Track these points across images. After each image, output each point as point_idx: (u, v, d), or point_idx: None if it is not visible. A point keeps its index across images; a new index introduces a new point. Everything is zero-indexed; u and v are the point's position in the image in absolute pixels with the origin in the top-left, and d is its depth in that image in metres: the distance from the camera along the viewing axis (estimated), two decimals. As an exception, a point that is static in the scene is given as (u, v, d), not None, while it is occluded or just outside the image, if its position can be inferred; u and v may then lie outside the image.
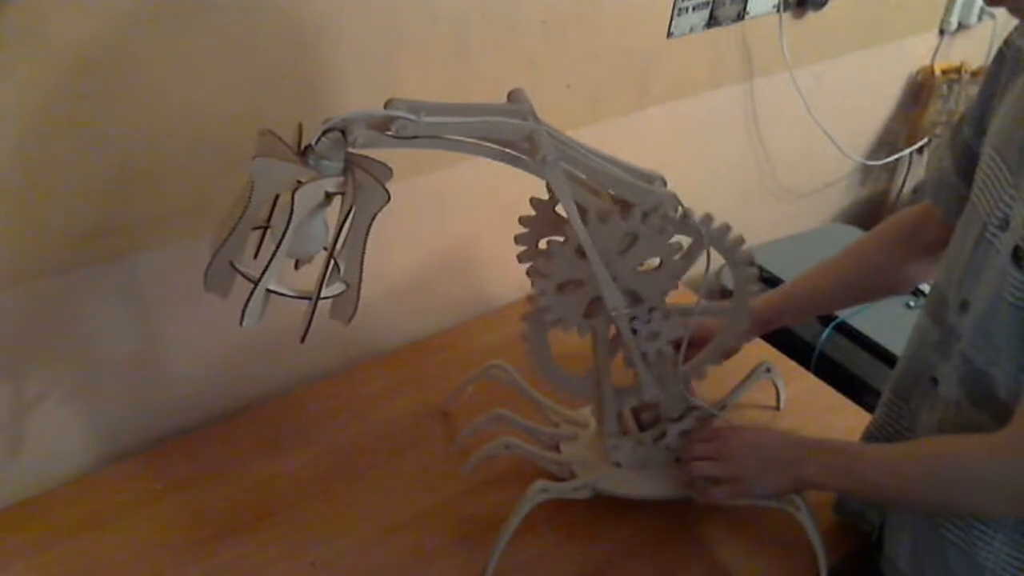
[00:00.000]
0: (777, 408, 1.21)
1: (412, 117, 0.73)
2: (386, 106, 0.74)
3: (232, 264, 0.79)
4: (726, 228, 0.91)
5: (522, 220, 0.94)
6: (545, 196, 0.92)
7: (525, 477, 0.98)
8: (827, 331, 1.49)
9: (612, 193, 0.86)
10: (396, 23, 1.05)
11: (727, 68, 1.47)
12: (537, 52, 1.19)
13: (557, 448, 1.05)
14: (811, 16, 1.51)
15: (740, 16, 1.41)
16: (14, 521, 0.99)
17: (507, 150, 0.79)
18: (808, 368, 1.34)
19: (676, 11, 1.32)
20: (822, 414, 1.22)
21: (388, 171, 0.77)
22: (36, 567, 0.95)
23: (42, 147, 0.88)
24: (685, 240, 0.89)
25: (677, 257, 0.89)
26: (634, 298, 0.90)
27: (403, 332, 1.31)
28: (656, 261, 0.89)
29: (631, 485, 1.01)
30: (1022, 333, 0.79)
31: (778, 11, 1.44)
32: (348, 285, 0.79)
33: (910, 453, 0.88)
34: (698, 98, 1.47)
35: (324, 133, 0.73)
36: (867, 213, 2.00)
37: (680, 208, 0.88)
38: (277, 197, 0.81)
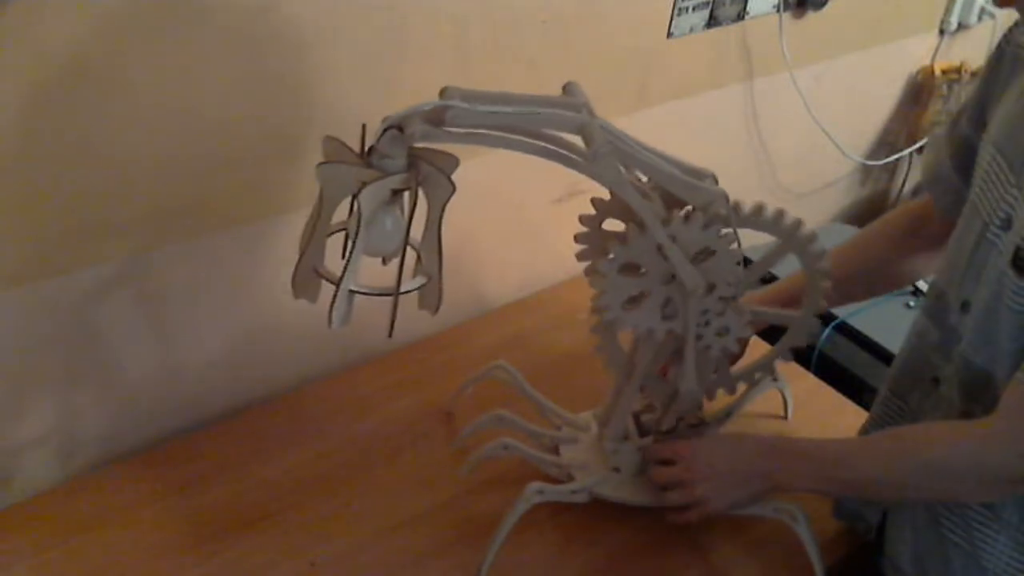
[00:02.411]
0: (784, 417, 1.20)
1: (466, 106, 0.73)
2: (440, 95, 0.75)
3: (315, 269, 0.81)
4: (799, 223, 0.90)
5: (578, 238, 0.94)
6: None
7: (526, 479, 0.98)
8: (827, 331, 1.49)
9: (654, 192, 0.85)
10: (396, 23, 1.05)
11: (727, 68, 1.47)
12: (537, 52, 1.19)
13: (557, 451, 1.05)
14: (811, 16, 1.51)
15: (740, 16, 1.41)
16: (14, 521, 0.99)
17: (557, 149, 0.78)
18: (808, 368, 1.34)
19: (676, 11, 1.32)
20: (822, 414, 1.22)
21: (455, 161, 0.77)
22: (36, 567, 0.95)
23: (38, 148, 0.88)
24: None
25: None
26: (707, 289, 0.89)
27: (403, 332, 1.31)
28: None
29: (629, 490, 1.01)
30: (1021, 337, 0.79)
31: (778, 11, 1.44)
32: (429, 276, 0.80)
33: (890, 447, 0.87)
34: (698, 98, 1.46)
35: (384, 132, 0.73)
36: (867, 213, 2.00)
37: (752, 205, 0.88)
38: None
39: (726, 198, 0.85)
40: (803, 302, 0.98)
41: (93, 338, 1.02)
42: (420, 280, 0.81)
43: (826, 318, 1.50)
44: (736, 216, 0.87)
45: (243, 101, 0.98)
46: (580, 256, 0.94)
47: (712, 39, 1.40)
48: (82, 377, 1.04)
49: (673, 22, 1.33)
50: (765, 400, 1.17)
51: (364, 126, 0.77)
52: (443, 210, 0.77)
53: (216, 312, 1.11)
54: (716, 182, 0.85)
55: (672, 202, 0.85)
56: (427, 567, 0.98)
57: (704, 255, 0.86)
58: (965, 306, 0.85)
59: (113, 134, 0.91)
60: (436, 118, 0.74)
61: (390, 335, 0.80)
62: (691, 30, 1.36)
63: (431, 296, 0.82)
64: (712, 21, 1.38)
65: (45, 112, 0.86)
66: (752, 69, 1.51)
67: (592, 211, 0.92)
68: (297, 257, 0.81)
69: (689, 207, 0.85)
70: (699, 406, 1.02)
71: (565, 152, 0.79)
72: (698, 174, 0.85)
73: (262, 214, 1.08)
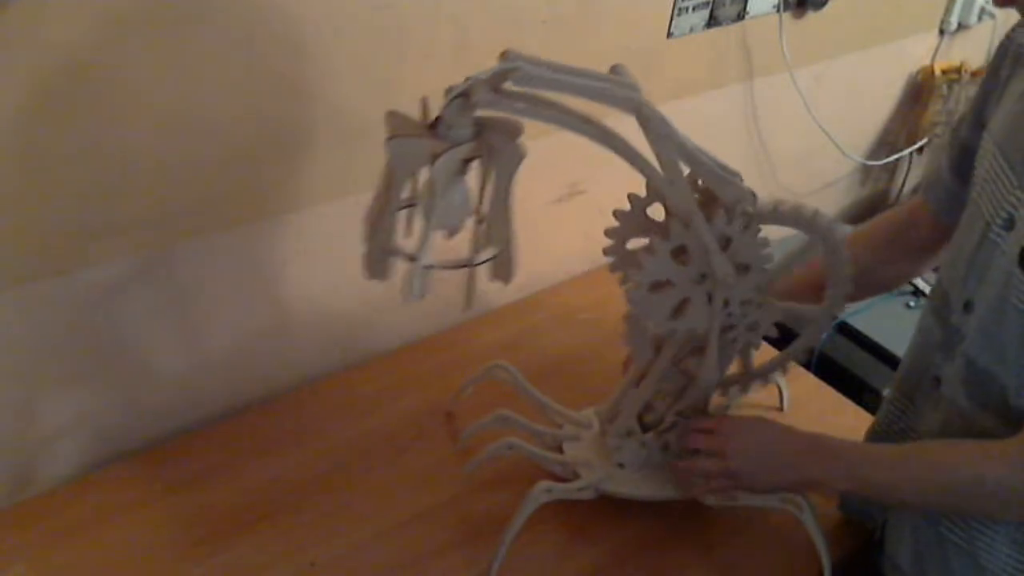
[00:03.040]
0: (780, 409, 1.21)
1: (531, 68, 0.73)
2: (501, 58, 0.74)
3: (387, 247, 0.80)
4: (822, 215, 0.91)
5: (608, 232, 0.94)
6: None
7: (526, 477, 0.98)
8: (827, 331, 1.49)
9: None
10: (396, 23, 1.05)
11: (727, 68, 1.47)
12: (537, 52, 1.18)
13: (560, 449, 1.05)
14: (811, 16, 1.51)
15: (740, 16, 1.41)
16: (14, 521, 0.99)
17: (610, 130, 0.78)
18: (808, 368, 1.34)
19: (676, 11, 1.32)
20: (822, 414, 1.22)
21: (519, 126, 0.76)
22: (36, 567, 0.95)
23: (40, 147, 0.88)
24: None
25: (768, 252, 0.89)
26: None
27: (403, 332, 1.31)
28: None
29: (634, 486, 1.01)
30: None
31: (778, 11, 1.44)
32: (501, 247, 0.80)
33: (920, 459, 0.86)
34: (698, 98, 1.46)
35: (451, 101, 0.73)
36: (867, 213, 1.99)
37: (773, 201, 0.89)
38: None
39: (753, 196, 0.86)
40: (825, 294, 0.98)
41: (92, 339, 1.02)
42: (493, 250, 0.80)
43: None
44: (762, 213, 0.88)
45: (243, 101, 0.98)
46: (608, 250, 0.94)
47: (712, 39, 1.40)
48: (82, 377, 1.04)
49: (673, 22, 1.33)
50: (760, 391, 1.17)
51: (425, 98, 0.77)
52: (512, 179, 0.76)
53: (216, 312, 1.11)
54: (742, 181, 0.86)
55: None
56: (427, 567, 0.98)
57: (730, 245, 0.87)
58: (968, 306, 0.85)
59: (114, 133, 0.91)
60: (498, 83, 0.73)
61: (467, 307, 0.80)
62: (691, 30, 1.36)
63: (504, 266, 0.81)
64: (712, 21, 1.38)
65: (45, 112, 0.86)
66: (752, 69, 1.51)
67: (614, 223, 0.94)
68: (365, 240, 0.80)
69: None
70: (707, 400, 1.02)
71: (617, 135, 0.78)
72: (729, 171, 0.85)
73: (263, 214, 1.08)
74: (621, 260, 0.94)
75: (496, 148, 0.75)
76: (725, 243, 0.86)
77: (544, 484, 0.96)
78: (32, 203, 0.90)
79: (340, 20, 1.01)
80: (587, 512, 1.01)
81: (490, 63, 0.76)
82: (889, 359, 1.45)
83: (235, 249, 1.08)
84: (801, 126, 1.60)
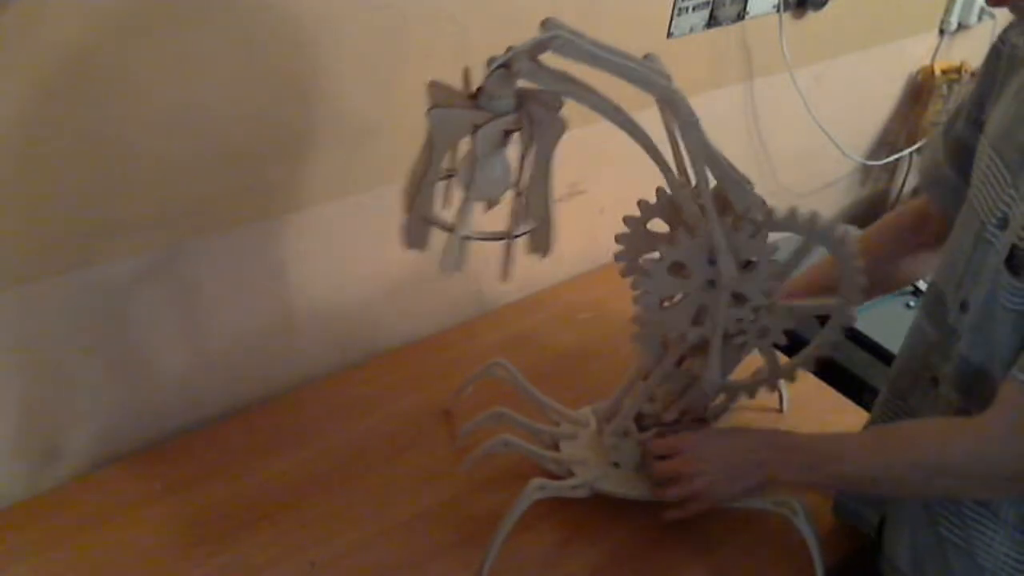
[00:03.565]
0: (780, 410, 1.21)
1: (571, 37, 0.73)
2: (542, 26, 0.74)
3: (426, 217, 0.79)
4: (835, 225, 0.91)
5: (619, 237, 0.94)
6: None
7: (525, 477, 0.98)
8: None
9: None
10: (396, 23, 1.05)
11: (727, 68, 1.47)
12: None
13: (556, 447, 1.05)
14: (811, 16, 1.51)
15: (740, 16, 1.41)
16: (14, 521, 0.99)
17: (631, 119, 0.78)
18: (808, 368, 1.34)
19: (676, 11, 1.32)
20: (822, 414, 1.22)
21: (560, 99, 0.76)
22: (36, 567, 0.95)
23: (41, 147, 0.88)
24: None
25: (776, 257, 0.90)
26: (738, 300, 0.91)
27: (403, 332, 1.31)
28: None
29: (629, 485, 1.01)
30: (1017, 335, 0.79)
31: (778, 11, 1.44)
32: (539, 219, 0.80)
33: (887, 438, 0.87)
34: (698, 98, 1.44)
35: (493, 71, 0.72)
36: (867, 213, 2.00)
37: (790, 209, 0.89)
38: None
39: (763, 204, 0.87)
40: (838, 300, 0.98)
41: (93, 338, 1.02)
42: (531, 223, 0.80)
43: (825, 318, 1.50)
44: (771, 220, 0.88)
45: (243, 101, 0.99)
46: (619, 256, 0.95)
47: (712, 39, 1.40)
48: (82, 378, 1.04)
49: (673, 22, 1.33)
50: (760, 394, 1.17)
51: (467, 69, 0.76)
52: (553, 151, 0.76)
53: (216, 312, 1.12)
54: (753, 187, 0.87)
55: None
56: (427, 567, 0.98)
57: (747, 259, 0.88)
58: (963, 306, 0.85)
59: (114, 133, 0.91)
60: (539, 53, 0.73)
61: (504, 279, 0.80)
62: (691, 30, 1.36)
63: (541, 239, 0.81)
64: (712, 21, 1.38)
65: (46, 111, 0.86)
66: (752, 69, 1.51)
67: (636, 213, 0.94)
68: (405, 209, 0.79)
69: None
70: (707, 402, 1.02)
71: (642, 129, 0.78)
72: (741, 176, 0.86)
73: (262, 214, 1.08)
74: (631, 266, 0.95)
75: (538, 119, 0.75)
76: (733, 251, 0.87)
77: (537, 481, 0.96)
78: (33, 203, 0.90)
79: (340, 20, 1.01)
80: (583, 512, 1.01)
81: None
82: (889, 359, 1.43)
83: (235, 249, 1.08)
84: (801, 126, 1.60)
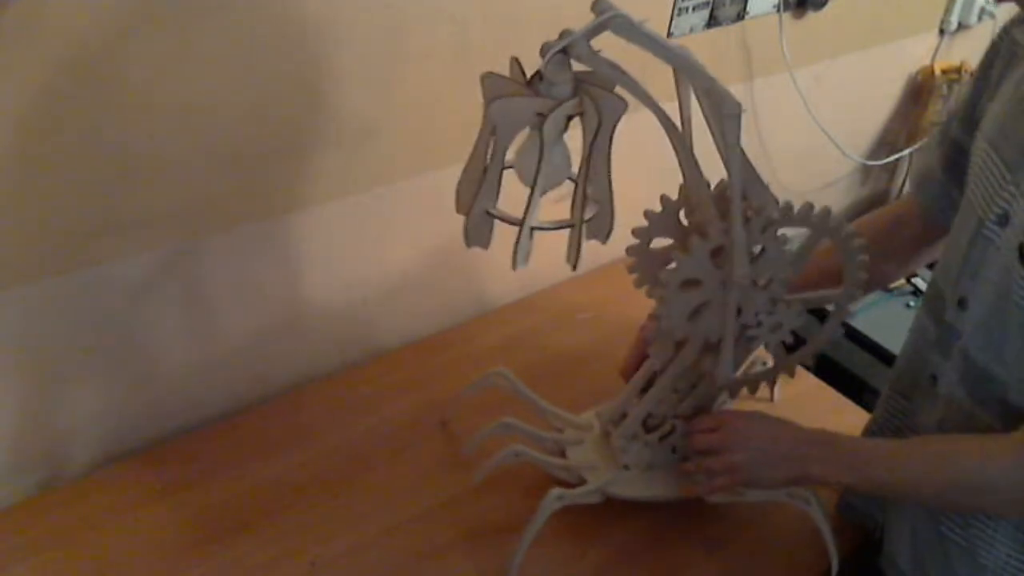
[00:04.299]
0: (771, 400, 1.21)
1: (628, 17, 0.72)
2: (593, 8, 0.73)
3: (488, 211, 0.78)
4: (842, 220, 0.92)
5: (635, 232, 0.93)
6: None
7: (525, 477, 0.98)
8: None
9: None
10: (397, 23, 1.05)
11: (727, 68, 1.47)
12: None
13: (563, 454, 1.05)
14: (811, 16, 1.51)
15: (740, 16, 1.41)
16: (14, 521, 0.99)
17: (663, 111, 0.79)
18: (808, 368, 1.34)
19: (676, 11, 1.32)
20: (822, 414, 1.21)
21: (612, 80, 0.75)
22: (36, 567, 0.95)
23: (41, 147, 0.88)
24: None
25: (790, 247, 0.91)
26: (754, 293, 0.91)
27: (403, 332, 1.31)
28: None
29: (641, 487, 1.01)
30: None
31: (778, 11, 1.44)
32: (600, 203, 0.79)
33: (921, 454, 0.86)
34: (698, 98, 1.46)
35: (551, 57, 0.71)
36: (867, 213, 1.99)
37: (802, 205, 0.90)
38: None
39: (777, 203, 0.87)
40: (842, 293, 0.98)
41: (93, 338, 1.02)
42: (593, 208, 0.79)
43: (825, 318, 1.50)
44: (788, 216, 0.89)
45: (243, 101, 0.98)
46: (632, 268, 0.95)
47: (712, 39, 1.40)
48: (82, 378, 1.04)
49: (673, 22, 1.33)
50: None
51: (516, 59, 0.75)
52: (613, 132, 0.75)
53: (216, 312, 1.12)
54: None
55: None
56: (427, 567, 0.98)
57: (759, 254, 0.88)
58: (962, 303, 0.85)
59: (114, 133, 0.91)
60: (594, 36, 0.72)
61: (574, 267, 0.80)
62: (691, 30, 1.36)
63: (602, 224, 0.80)
64: (712, 21, 1.38)
65: (46, 111, 0.86)
66: (752, 69, 1.51)
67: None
68: (462, 208, 0.78)
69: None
70: (714, 399, 1.02)
71: (671, 122, 0.78)
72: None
73: (263, 214, 1.08)
74: (641, 262, 0.94)
75: (598, 101, 0.73)
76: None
77: (556, 492, 0.96)
78: (34, 203, 0.90)
79: (341, 20, 1.00)
80: (591, 513, 1.01)
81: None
82: (889, 359, 1.44)
83: (235, 249, 1.08)
84: (801, 126, 1.60)
